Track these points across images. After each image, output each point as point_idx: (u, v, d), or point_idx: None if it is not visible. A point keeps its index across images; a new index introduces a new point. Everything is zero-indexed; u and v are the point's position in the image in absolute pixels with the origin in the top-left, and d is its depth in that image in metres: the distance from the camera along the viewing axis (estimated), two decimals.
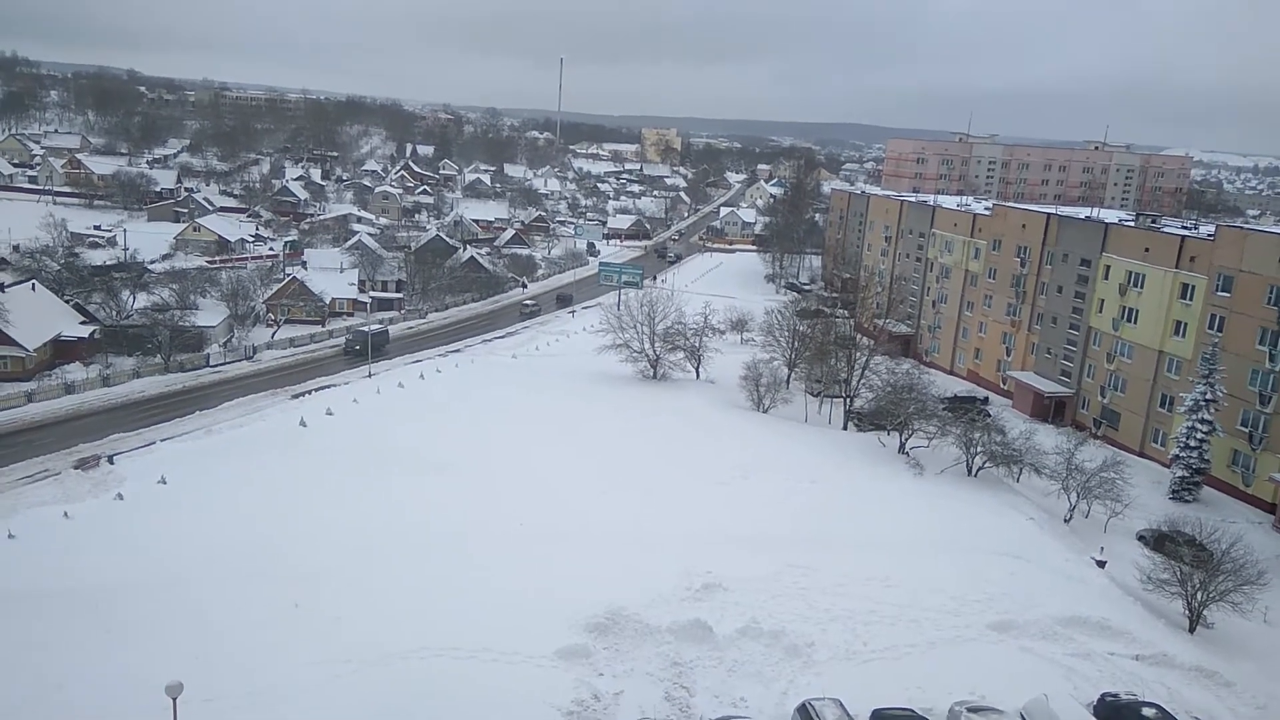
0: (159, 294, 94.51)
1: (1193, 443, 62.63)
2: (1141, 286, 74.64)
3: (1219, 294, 67.28)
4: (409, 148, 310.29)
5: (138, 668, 30.14)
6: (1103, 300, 78.71)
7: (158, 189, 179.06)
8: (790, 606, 38.42)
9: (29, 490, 51.44)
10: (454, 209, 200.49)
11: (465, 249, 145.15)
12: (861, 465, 62.01)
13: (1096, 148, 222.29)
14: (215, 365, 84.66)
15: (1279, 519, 60.20)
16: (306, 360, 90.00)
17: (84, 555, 41.20)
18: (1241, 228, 76.90)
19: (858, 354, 77.29)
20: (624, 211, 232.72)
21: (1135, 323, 75.09)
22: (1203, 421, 62.27)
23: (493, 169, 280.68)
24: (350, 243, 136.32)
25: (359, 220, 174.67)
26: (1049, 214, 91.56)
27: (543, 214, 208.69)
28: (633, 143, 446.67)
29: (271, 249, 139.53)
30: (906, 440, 65.97)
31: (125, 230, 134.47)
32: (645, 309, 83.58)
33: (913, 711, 30.79)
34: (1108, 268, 78.45)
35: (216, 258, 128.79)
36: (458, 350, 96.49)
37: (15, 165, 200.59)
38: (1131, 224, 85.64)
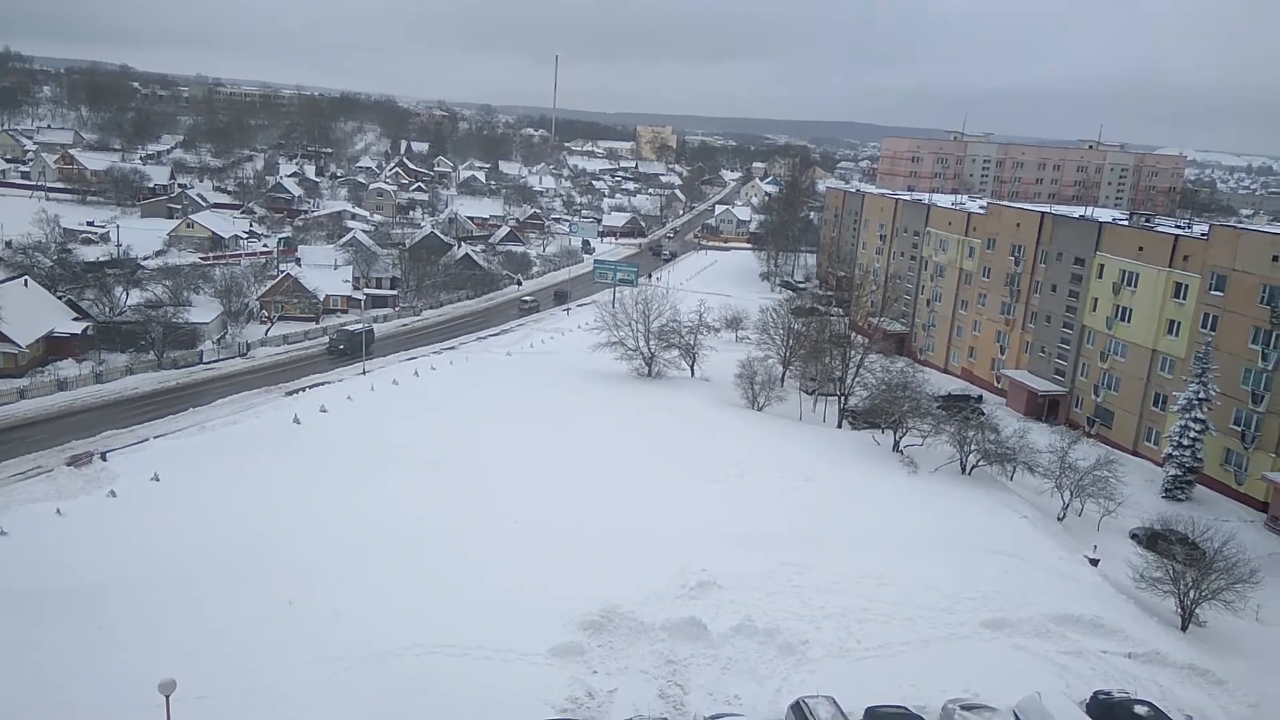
0: (152, 290, 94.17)
1: (1185, 441, 62.85)
2: (1135, 285, 74.84)
3: (1212, 293, 67.49)
4: (403, 144, 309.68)
5: (131, 665, 30.05)
6: (1096, 299, 78.92)
7: (151, 185, 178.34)
8: (784, 604, 38.44)
9: (21, 487, 51.18)
10: (449, 206, 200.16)
11: (460, 246, 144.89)
12: (856, 463, 62.07)
13: (1091, 147, 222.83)
14: (209, 362, 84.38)
15: (1271, 518, 60.45)
16: (300, 357, 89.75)
17: (77, 552, 41.05)
18: (1235, 227, 77.15)
19: (852, 352, 77.42)
20: (619, 209, 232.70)
21: (1129, 321, 75.31)
22: (1196, 420, 62.49)
23: (487, 166, 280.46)
24: (344, 240, 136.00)
25: (353, 217, 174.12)
26: (1043, 213, 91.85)
27: (538, 211, 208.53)
28: (628, 140, 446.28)
29: (265, 246, 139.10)
30: (901, 438, 66.08)
31: (118, 226, 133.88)
32: (640, 307, 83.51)
33: (906, 709, 30.83)
34: (1101, 267, 78.65)
35: (210, 254, 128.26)
36: (452, 348, 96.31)
37: (8, 161, 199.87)
38: (1125, 223, 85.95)
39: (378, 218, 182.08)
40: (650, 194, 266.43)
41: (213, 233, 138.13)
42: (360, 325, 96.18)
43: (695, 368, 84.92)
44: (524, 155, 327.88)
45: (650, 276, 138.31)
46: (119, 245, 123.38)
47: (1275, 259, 62.93)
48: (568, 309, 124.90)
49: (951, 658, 35.29)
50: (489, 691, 30.51)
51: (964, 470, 62.03)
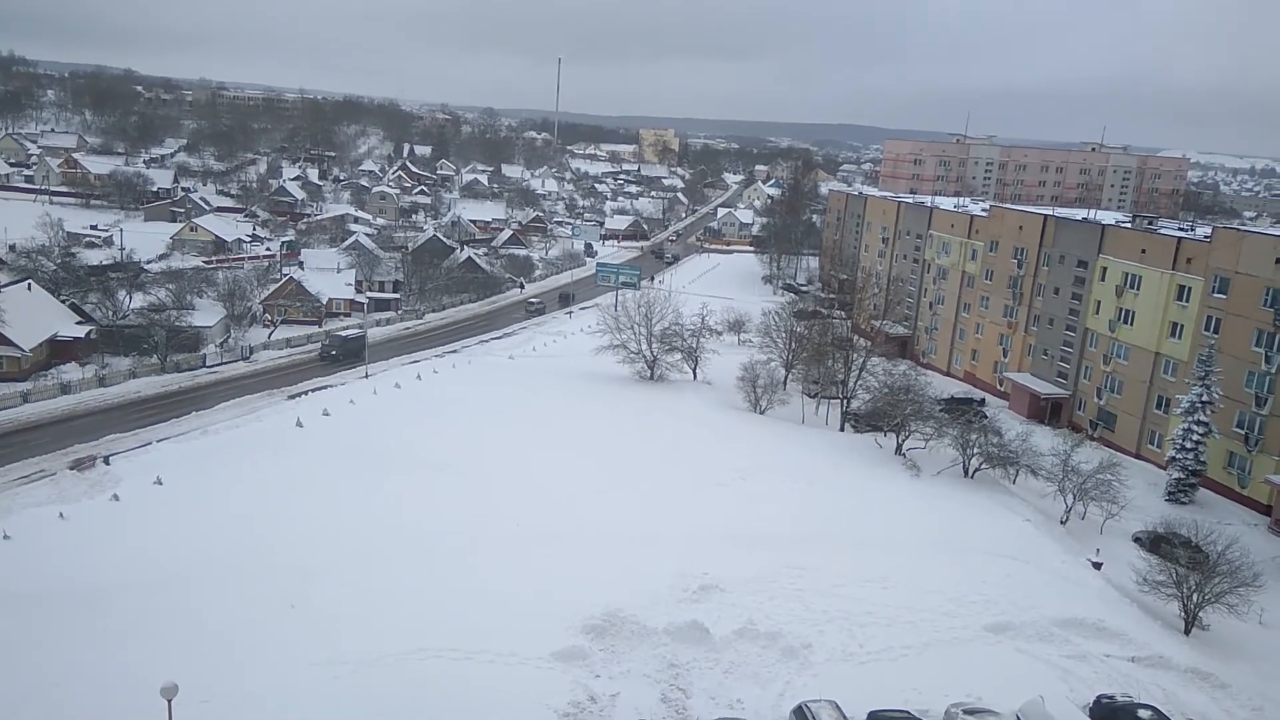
0: (155, 294, 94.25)
1: (1189, 444, 62.69)
2: (1138, 288, 74.74)
3: (1215, 296, 67.40)
4: (406, 148, 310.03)
5: (133, 669, 30.07)
6: (1099, 302, 78.82)
7: (154, 189, 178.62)
8: (787, 608, 38.46)
9: (24, 491, 51.27)
10: (451, 209, 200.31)
11: (462, 249, 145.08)
12: (858, 466, 62.04)
13: (1093, 149, 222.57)
14: (212, 366, 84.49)
15: (1275, 521, 60.31)
16: (303, 361, 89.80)
17: (80, 556, 41.11)
18: (1238, 229, 77.08)
19: (855, 355, 77.40)
20: (621, 212, 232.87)
21: (1132, 324, 75.20)
22: (1199, 423, 62.35)
23: (490, 169, 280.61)
24: (347, 243, 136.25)
25: (356, 220, 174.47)
26: (1046, 215, 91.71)
27: (540, 214, 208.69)
28: (630, 143, 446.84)
29: (268, 249, 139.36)
30: (903, 441, 66.00)
31: (122, 230, 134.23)
32: (642, 310, 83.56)
33: (909, 713, 30.84)
34: (1104, 269, 78.56)
35: (213, 258, 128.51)
36: (455, 351, 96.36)
37: (12, 165, 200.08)
38: (1128, 225, 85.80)
39: (380, 221, 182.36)
40: (653, 197, 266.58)
41: (216, 236, 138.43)
42: (353, 330, 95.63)
43: (697, 371, 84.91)
44: (526, 158, 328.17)
45: (652, 279, 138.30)
46: (122, 249, 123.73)
47: (1278, 261, 62.83)
48: (569, 312, 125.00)
49: (954, 661, 35.28)
50: (491, 695, 30.53)
51: (966, 473, 61.95)
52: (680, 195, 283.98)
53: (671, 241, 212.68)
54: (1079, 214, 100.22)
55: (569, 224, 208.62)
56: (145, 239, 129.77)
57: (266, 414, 67.76)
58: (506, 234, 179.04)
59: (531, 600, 36.98)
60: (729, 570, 41.12)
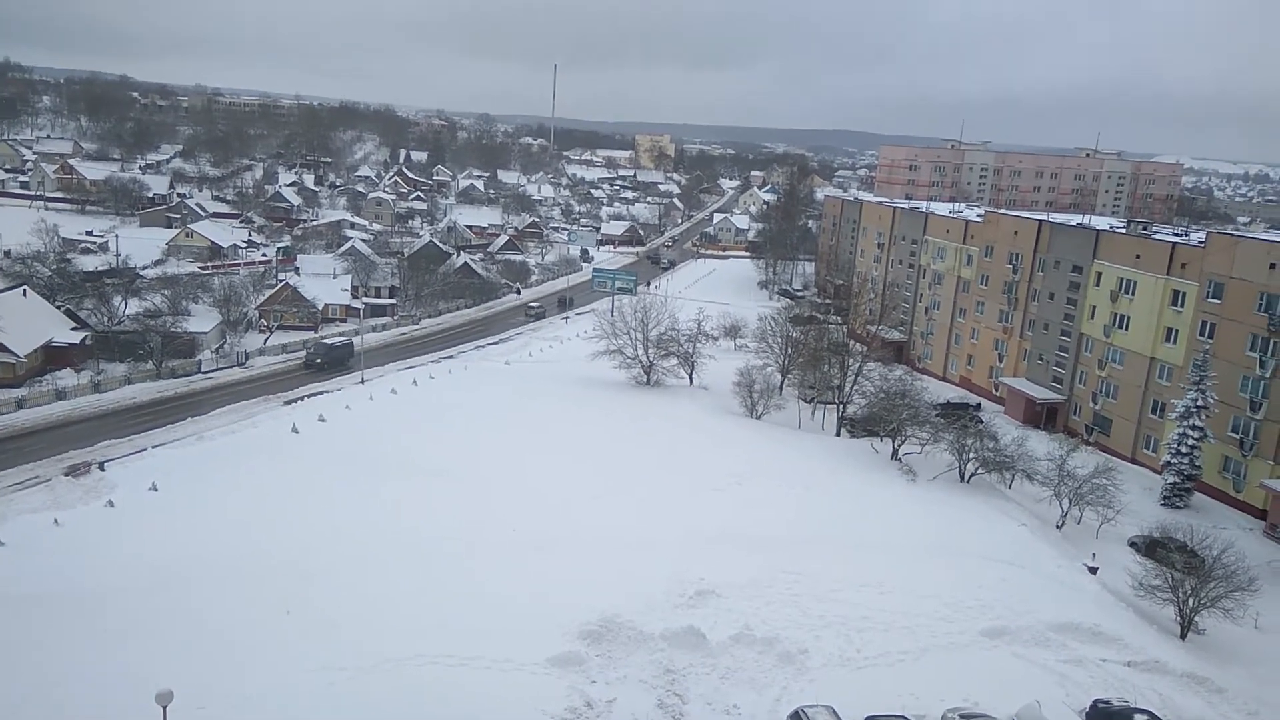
0: (151, 300, 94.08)
1: (1184, 449, 62.85)
2: (1133, 293, 74.96)
3: (1210, 301, 67.61)
4: (402, 153, 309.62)
5: (129, 675, 29.97)
6: (1094, 307, 79.02)
7: (150, 195, 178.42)
8: (783, 613, 38.44)
9: (19, 497, 51.08)
10: (447, 215, 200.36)
11: (459, 255, 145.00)
12: (854, 471, 62.10)
13: (1088, 155, 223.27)
14: (207, 371, 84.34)
15: (1270, 525, 60.41)
16: (299, 367, 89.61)
17: (75, 562, 40.99)
18: (1232, 235, 77.31)
19: (851, 360, 77.53)
20: (618, 218, 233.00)
21: (1126, 329, 75.41)
22: (1194, 428, 62.50)
23: (486, 175, 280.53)
24: (343, 249, 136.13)
25: (352, 226, 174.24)
26: (1041, 221, 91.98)
27: (536, 220, 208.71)
28: (626, 149, 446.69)
29: (264, 255, 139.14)
30: (899, 446, 66.10)
31: (117, 236, 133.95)
32: (639, 315, 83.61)
33: (906, 718, 30.81)
34: (1099, 274, 78.78)
35: (209, 263, 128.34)
36: (451, 356, 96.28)
37: (7, 170, 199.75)
38: (1123, 231, 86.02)
39: (376, 227, 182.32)
40: (649, 203, 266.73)
41: (211, 242, 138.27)
42: (339, 338, 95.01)
43: (694, 376, 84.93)
44: (523, 164, 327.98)
45: (649, 285, 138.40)
46: (118, 255, 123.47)
47: (1273, 266, 63.06)
48: (566, 317, 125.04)
49: (951, 666, 35.29)
50: (487, 701, 30.48)
51: (963, 478, 62.04)
52: (676, 201, 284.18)
53: (668, 247, 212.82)
54: (1074, 219, 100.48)
55: (565, 230, 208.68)
56: (140, 245, 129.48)
57: (262, 420, 67.62)
58: (503, 239, 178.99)
59: (528, 605, 36.93)
60: (725, 575, 41.10)
